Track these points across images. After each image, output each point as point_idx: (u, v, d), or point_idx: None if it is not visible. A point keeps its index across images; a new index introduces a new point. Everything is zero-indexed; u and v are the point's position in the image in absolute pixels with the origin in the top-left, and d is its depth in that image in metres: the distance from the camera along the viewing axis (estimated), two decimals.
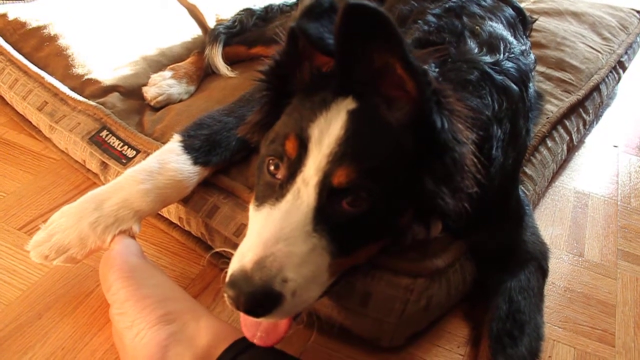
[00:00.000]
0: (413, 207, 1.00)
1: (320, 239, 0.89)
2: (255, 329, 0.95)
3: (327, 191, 0.89)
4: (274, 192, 0.93)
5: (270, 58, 1.06)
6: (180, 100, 1.67)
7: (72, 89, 1.63)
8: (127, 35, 1.84)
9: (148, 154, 1.37)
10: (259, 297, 0.83)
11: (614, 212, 1.69)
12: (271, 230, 0.88)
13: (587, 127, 1.96)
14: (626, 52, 2.30)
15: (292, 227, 0.88)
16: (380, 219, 0.95)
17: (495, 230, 1.26)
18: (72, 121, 1.56)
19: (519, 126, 1.27)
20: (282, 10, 1.99)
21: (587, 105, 1.93)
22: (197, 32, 1.99)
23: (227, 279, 0.86)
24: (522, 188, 1.48)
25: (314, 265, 0.89)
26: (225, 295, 0.86)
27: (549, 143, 1.67)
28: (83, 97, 1.61)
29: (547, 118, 1.72)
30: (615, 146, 2.03)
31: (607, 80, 2.10)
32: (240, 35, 1.86)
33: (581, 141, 1.98)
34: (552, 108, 1.77)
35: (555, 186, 1.75)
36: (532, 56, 1.58)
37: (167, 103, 1.65)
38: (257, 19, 1.91)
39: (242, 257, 0.86)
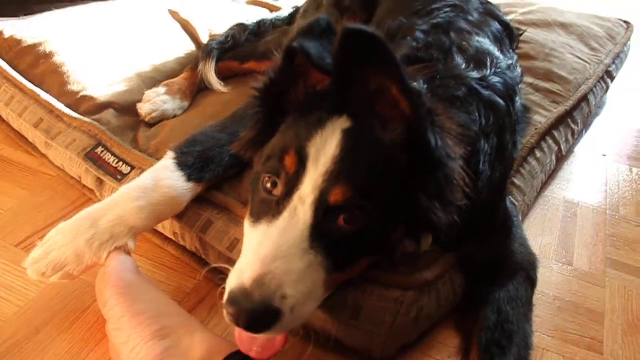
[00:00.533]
0: (406, 222, 1.03)
1: (317, 256, 0.92)
2: (251, 343, 0.97)
3: (323, 209, 0.92)
4: (271, 209, 0.96)
5: (264, 75, 1.08)
6: (175, 116, 1.70)
7: (68, 106, 1.65)
8: (122, 51, 1.86)
9: (143, 170, 1.40)
10: (259, 314, 0.86)
11: (602, 220, 1.71)
12: (269, 248, 0.91)
13: (575, 137, 1.99)
14: (614, 62, 2.34)
15: (289, 244, 0.91)
16: (375, 236, 0.99)
17: (483, 242, 1.29)
18: (68, 138, 1.58)
19: (505, 140, 1.30)
20: (275, 25, 2.03)
21: (576, 116, 1.96)
22: (190, 47, 2.02)
23: (226, 296, 0.88)
24: (511, 199, 1.51)
25: (311, 281, 0.92)
26: (225, 312, 0.88)
27: (538, 154, 1.70)
28: (78, 114, 1.63)
29: (536, 129, 1.75)
30: (604, 155, 2.06)
31: (595, 90, 2.13)
32: (233, 50, 1.89)
33: (570, 151, 2.01)
34: (541, 119, 1.80)
35: (544, 196, 1.78)
36: (519, 70, 1.61)
37: (161, 119, 1.67)
38: (250, 34, 1.94)
39: (241, 274, 0.89)
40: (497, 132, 1.26)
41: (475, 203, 1.11)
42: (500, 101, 1.29)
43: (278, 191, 0.97)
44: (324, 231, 0.93)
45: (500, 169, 1.28)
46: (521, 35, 1.90)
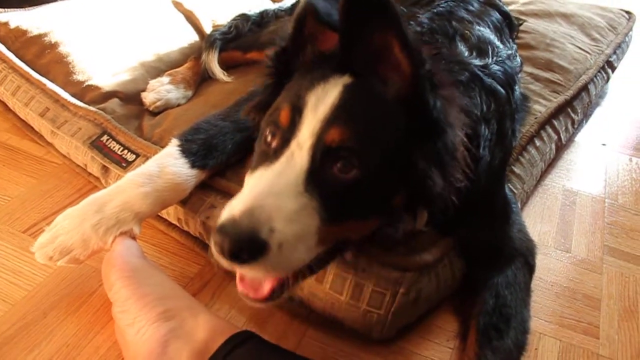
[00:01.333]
0: (404, 188, 1.03)
1: (311, 200, 0.92)
2: (240, 280, 1.00)
3: (320, 153, 0.93)
4: (268, 157, 0.97)
5: (276, 44, 1.13)
6: (178, 105, 1.72)
7: (73, 95, 1.68)
8: (126, 42, 1.88)
9: (147, 158, 1.43)
10: (244, 240, 0.86)
11: (601, 209, 1.73)
12: (262, 186, 0.92)
13: (575, 126, 2.00)
14: (615, 52, 2.35)
15: (283, 184, 0.92)
16: (371, 190, 0.98)
17: (482, 227, 1.31)
18: (74, 126, 1.60)
19: (505, 127, 1.32)
20: (277, 15, 2.03)
21: (576, 105, 1.97)
22: (194, 37, 2.04)
23: (215, 228, 0.89)
24: (510, 186, 1.53)
25: (303, 224, 0.91)
26: (212, 243, 0.88)
27: (537, 143, 1.72)
28: (84, 103, 1.65)
29: (535, 118, 1.76)
30: (603, 144, 2.08)
31: (595, 80, 2.14)
32: (235, 40, 1.90)
33: (570, 140, 2.03)
34: (541, 108, 1.82)
35: (544, 184, 1.80)
36: (519, 59, 1.64)
37: (165, 108, 1.69)
38: (253, 24, 1.95)
39: (232, 208, 0.89)
40: (497, 119, 1.28)
41: (474, 188, 1.14)
42: (501, 89, 1.31)
43: (276, 141, 0.99)
44: (319, 177, 0.93)
45: (500, 155, 1.30)
46: (521, 24, 1.92)
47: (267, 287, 0.99)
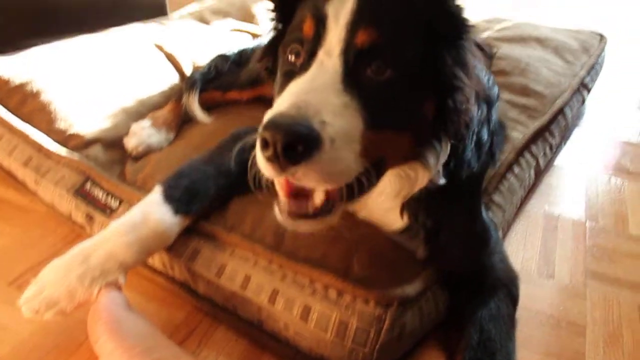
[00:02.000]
0: (433, 93, 1.04)
1: (352, 100, 0.91)
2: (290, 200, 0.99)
3: (352, 55, 0.95)
4: (295, 73, 0.98)
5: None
6: (161, 148, 1.73)
7: (56, 143, 1.69)
8: (107, 86, 1.90)
9: (131, 204, 1.44)
10: (298, 131, 0.82)
11: (582, 232, 1.76)
12: (301, 86, 0.92)
13: (554, 150, 2.04)
14: (589, 74, 2.40)
15: (322, 83, 0.92)
16: (405, 91, 1.00)
17: (462, 253, 1.33)
18: (57, 175, 1.61)
19: (482, 139, 1.35)
20: (255, 53, 2.06)
21: (553, 129, 2.01)
22: (174, 79, 2.06)
23: (261, 128, 0.85)
24: (491, 215, 1.55)
25: (349, 122, 0.90)
26: (259, 141, 0.85)
27: (516, 170, 1.75)
28: (67, 150, 1.66)
29: (513, 145, 1.79)
30: (583, 166, 2.11)
31: (571, 103, 2.19)
32: (215, 80, 1.93)
33: (549, 163, 2.06)
34: (518, 135, 1.85)
35: (524, 210, 1.82)
36: (496, 89, 1.67)
37: (147, 152, 1.71)
38: (232, 64, 1.98)
39: (276, 109, 0.87)
40: (478, 129, 1.32)
41: (455, 194, 1.23)
42: (484, 103, 1.36)
43: (302, 56, 1.00)
44: (355, 79, 0.93)
45: (477, 168, 1.33)
46: (495, 54, 1.96)
47: (311, 205, 0.98)
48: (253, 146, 0.94)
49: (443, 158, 1.16)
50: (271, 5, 1.19)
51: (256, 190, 1.07)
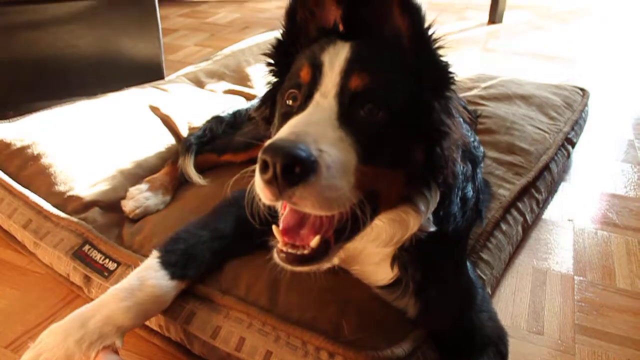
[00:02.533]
0: (422, 140, 1.13)
1: (347, 135, 0.99)
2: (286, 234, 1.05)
3: (346, 97, 1.04)
4: (293, 113, 1.06)
5: (274, 40, 1.28)
6: (157, 211, 1.78)
7: (55, 206, 1.74)
8: (106, 149, 1.96)
9: (128, 266, 1.49)
10: (297, 154, 0.88)
11: (570, 287, 1.79)
12: (299, 120, 1.00)
13: (540, 205, 2.09)
14: (573, 129, 2.48)
15: (319, 118, 1.01)
16: (396, 134, 1.08)
17: (449, 309, 1.37)
18: (56, 237, 1.65)
19: (467, 195, 1.41)
20: (249, 115, 2.12)
21: (539, 185, 2.07)
22: (171, 141, 2.12)
23: (261, 152, 0.90)
24: (479, 273, 1.59)
25: (344, 154, 0.98)
26: (259, 164, 0.90)
27: (504, 227, 1.80)
28: (66, 213, 1.71)
29: (500, 203, 1.85)
30: (570, 220, 2.16)
31: (556, 158, 2.26)
32: (210, 143, 1.99)
33: (537, 218, 2.11)
34: (505, 192, 1.91)
35: (513, 266, 1.86)
36: (482, 149, 1.74)
37: (144, 214, 1.75)
38: (226, 126, 2.05)
39: (277, 136, 0.93)
40: (464, 186, 1.39)
41: (442, 244, 1.28)
42: (469, 163, 1.43)
43: (299, 99, 1.10)
44: (349, 119, 1.02)
45: (463, 222, 1.38)
46: (479, 116, 2.04)
47: (313, 239, 1.02)
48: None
49: (433, 205, 1.21)
50: (271, 60, 1.29)
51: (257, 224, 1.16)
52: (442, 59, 1.13)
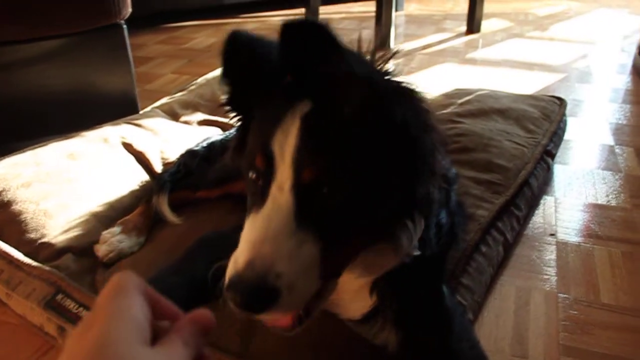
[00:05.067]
0: (394, 194, 1.08)
1: (307, 234, 0.97)
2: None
3: (301, 192, 0.99)
4: (257, 199, 1.04)
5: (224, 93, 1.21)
6: (132, 253, 1.75)
7: (27, 255, 1.70)
8: (78, 192, 1.93)
9: None
10: (255, 293, 0.90)
11: (554, 305, 1.77)
12: (256, 233, 0.97)
13: (521, 222, 2.07)
14: (551, 140, 2.47)
15: (275, 227, 0.96)
16: (365, 203, 1.04)
17: (429, 339, 1.34)
18: (28, 287, 1.62)
19: (441, 221, 1.39)
20: (224, 145, 2.09)
21: (519, 202, 2.06)
22: (144, 177, 2.09)
23: (225, 283, 0.94)
24: (459, 298, 1.57)
25: (305, 259, 0.96)
26: (227, 299, 0.93)
27: (484, 249, 1.78)
28: (37, 261, 1.67)
29: (479, 224, 1.83)
30: (552, 234, 2.14)
31: (536, 172, 2.25)
32: (185, 179, 1.96)
33: (519, 235, 2.09)
34: (484, 213, 1.89)
35: (495, 288, 1.83)
36: (454, 170, 1.72)
37: (119, 258, 1.72)
38: (201, 160, 2.01)
39: (235, 263, 0.94)
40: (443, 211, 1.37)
41: (418, 274, 1.27)
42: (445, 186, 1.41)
43: (260, 181, 1.06)
44: (308, 212, 0.98)
45: (439, 246, 1.36)
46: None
47: (284, 319, 1.06)
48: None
49: (418, 233, 1.19)
50: (228, 107, 1.22)
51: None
52: (416, 99, 1.06)
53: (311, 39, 0.95)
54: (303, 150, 1.01)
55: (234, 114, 1.24)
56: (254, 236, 0.97)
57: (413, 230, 1.16)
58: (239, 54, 1.12)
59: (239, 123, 1.24)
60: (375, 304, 1.29)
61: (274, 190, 1.01)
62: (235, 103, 1.21)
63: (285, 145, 1.02)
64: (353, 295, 1.32)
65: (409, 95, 1.06)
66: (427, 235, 1.25)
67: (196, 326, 0.79)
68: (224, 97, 1.21)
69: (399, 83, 1.05)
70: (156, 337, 0.74)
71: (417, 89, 1.08)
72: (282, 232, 0.96)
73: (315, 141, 1.02)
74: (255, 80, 1.14)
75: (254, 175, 1.09)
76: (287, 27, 0.96)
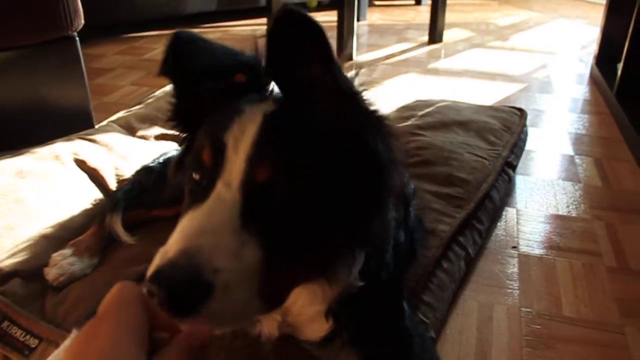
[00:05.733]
0: (345, 220, 1.00)
1: (251, 236, 0.85)
2: None
3: (252, 189, 0.89)
4: (197, 197, 0.91)
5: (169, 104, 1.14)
6: (84, 275, 1.68)
7: None
8: (27, 213, 1.84)
9: (50, 342, 1.41)
10: (186, 284, 0.75)
11: (517, 320, 1.76)
12: (194, 226, 0.84)
13: (483, 236, 2.06)
14: (512, 152, 2.48)
15: (217, 222, 0.84)
16: (312, 221, 0.95)
17: None
18: None
19: (399, 240, 1.36)
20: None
21: (480, 215, 2.05)
22: (99, 196, 2.02)
23: (148, 275, 0.77)
24: (421, 316, 1.55)
25: (246, 261, 0.83)
26: (146, 292, 0.76)
27: (445, 264, 1.76)
28: None
29: (440, 239, 1.81)
30: (514, 247, 2.14)
31: (497, 184, 2.25)
32: (140, 196, 1.89)
33: (481, 249, 2.08)
34: (445, 227, 1.88)
35: (457, 304, 1.81)
36: (412, 185, 1.71)
37: (70, 281, 1.64)
38: (157, 177, 1.95)
39: (165, 253, 0.79)
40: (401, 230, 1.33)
41: (380, 275, 1.20)
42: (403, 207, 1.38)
43: (204, 180, 0.95)
44: (254, 213, 0.87)
45: (397, 265, 1.32)
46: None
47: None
48: None
49: (357, 267, 1.13)
50: (171, 119, 1.15)
51: None
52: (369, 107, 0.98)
53: (302, 37, 0.86)
54: (262, 146, 0.92)
55: (179, 128, 1.16)
56: (191, 228, 0.83)
57: (352, 260, 1.10)
58: (183, 53, 1.04)
59: (184, 136, 1.17)
60: (333, 326, 1.25)
61: (219, 186, 0.90)
62: (180, 113, 1.13)
63: (242, 137, 0.93)
64: (309, 317, 1.28)
65: (383, 124, 1.00)
66: (384, 259, 1.22)
67: (194, 341, 0.78)
68: (168, 110, 1.14)
69: (375, 110, 0.99)
70: (154, 348, 0.75)
71: (387, 117, 1.02)
72: (224, 227, 0.84)
73: (278, 140, 0.94)
74: (202, 80, 1.06)
75: (197, 176, 0.97)
76: (282, 19, 0.85)
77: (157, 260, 0.80)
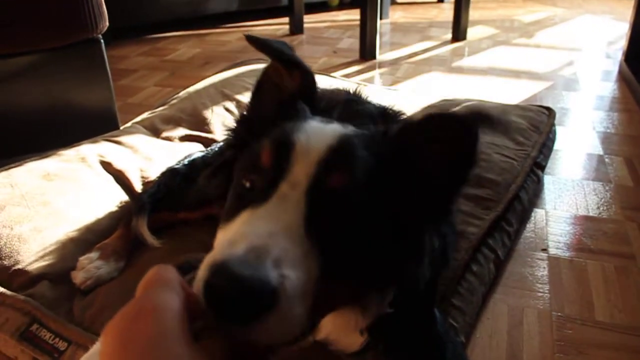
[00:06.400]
0: (399, 251, 0.96)
1: (313, 247, 0.78)
2: None
3: (320, 197, 0.83)
4: (252, 200, 0.84)
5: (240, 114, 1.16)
6: (111, 279, 1.68)
7: (0, 283, 1.63)
8: (54, 215, 1.85)
9: (79, 345, 1.40)
10: (254, 284, 0.66)
11: (548, 324, 1.73)
12: (261, 224, 0.77)
13: (512, 238, 2.03)
14: (541, 152, 2.43)
15: (283, 225, 0.78)
16: (371, 244, 0.89)
17: None
18: (1, 317, 1.54)
19: (433, 247, 1.32)
20: (205, 162, 2.02)
21: (509, 217, 2.01)
22: (124, 198, 2.02)
23: (204, 269, 0.70)
24: (451, 321, 1.52)
25: (309, 272, 0.76)
26: (202, 285, 0.68)
27: (474, 268, 1.73)
28: (11, 290, 1.59)
29: (470, 242, 1.78)
30: (544, 249, 2.10)
31: (526, 185, 2.20)
32: (165, 199, 1.89)
33: (510, 251, 2.04)
34: (474, 230, 1.84)
35: (487, 307, 1.78)
36: None
37: (97, 285, 1.65)
38: (182, 179, 1.95)
39: (231, 245, 0.72)
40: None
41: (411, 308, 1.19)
42: None
43: (259, 183, 0.88)
44: (320, 222, 0.80)
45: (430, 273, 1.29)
46: None
47: None
48: None
49: (389, 298, 1.11)
50: (234, 127, 1.15)
51: None
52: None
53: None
54: (340, 152, 0.87)
55: (237, 136, 1.14)
56: (258, 227, 0.77)
57: (386, 294, 1.09)
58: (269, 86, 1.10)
59: (232, 143, 1.14)
60: (367, 339, 1.23)
61: (283, 187, 0.83)
62: (246, 122, 1.14)
63: (316, 141, 0.88)
64: (345, 330, 1.26)
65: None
66: (421, 272, 1.19)
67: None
68: (242, 112, 1.16)
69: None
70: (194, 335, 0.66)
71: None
72: (291, 232, 0.77)
73: (356, 152, 0.89)
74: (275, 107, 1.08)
75: (249, 181, 0.90)
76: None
77: (219, 255, 0.71)
